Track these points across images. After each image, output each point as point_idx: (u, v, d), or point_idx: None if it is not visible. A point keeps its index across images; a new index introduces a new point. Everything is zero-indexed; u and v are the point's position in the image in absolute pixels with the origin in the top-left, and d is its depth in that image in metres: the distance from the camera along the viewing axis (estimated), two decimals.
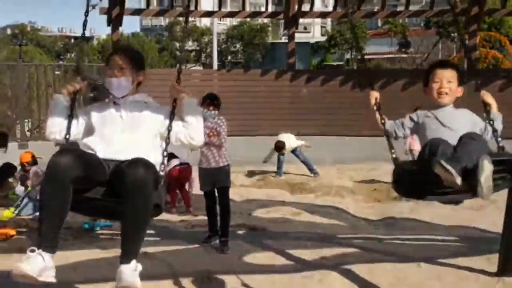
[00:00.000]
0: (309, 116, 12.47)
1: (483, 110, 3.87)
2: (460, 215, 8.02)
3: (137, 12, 13.38)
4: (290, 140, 11.14)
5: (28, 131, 12.15)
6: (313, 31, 61.96)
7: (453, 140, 3.32)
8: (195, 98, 3.68)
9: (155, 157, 3.37)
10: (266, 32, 48.16)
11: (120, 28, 12.51)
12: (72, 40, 58.56)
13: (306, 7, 14.12)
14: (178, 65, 3.87)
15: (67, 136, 3.48)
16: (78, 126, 3.54)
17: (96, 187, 3.25)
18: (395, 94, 12.38)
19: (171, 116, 3.51)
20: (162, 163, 3.39)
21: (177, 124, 3.51)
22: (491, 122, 3.80)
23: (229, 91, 11.91)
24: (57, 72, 13.78)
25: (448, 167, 3.06)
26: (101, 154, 3.34)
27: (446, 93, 3.74)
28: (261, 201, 8.85)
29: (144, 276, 4.81)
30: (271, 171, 11.57)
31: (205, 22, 47.90)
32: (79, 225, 6.90)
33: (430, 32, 37.22)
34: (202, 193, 6.31)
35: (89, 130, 3.53)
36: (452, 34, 34.60)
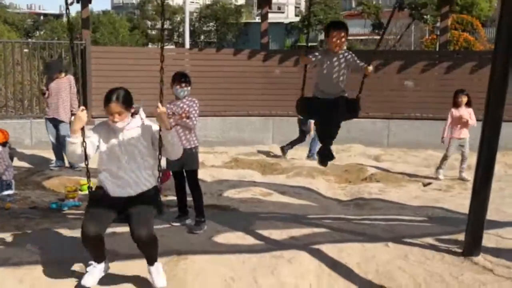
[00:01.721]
0: (281, 96, 12.44)
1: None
2: (427, 196, 8.16)
3: None
4: None
5: None
6: (287, 12, 61.78)
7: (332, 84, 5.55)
8: (173, 129, 4.54)
9: (152, 180, 4.56)
10: (240, 13, 47.77)
11: (90, 6, 12.26)
12: (41, 17, 57.36)
13: None
14: (160, 90, 4.45)
15: (87, 163, 4.48)
16: (93, 151, 4.50)
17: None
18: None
19: (160, 139, 4.43)
20: (159, 176, 4.61)
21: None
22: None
23: (201, 71, 11.83)
24: (25, 50, 13.47)
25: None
26: (111, 192, 4.49)
27: (340, 45, 5.50)
28: (232, 182, 8.84)
29: (113, 256, 4.81)
30: (243, 152, 11.56)
31: (177, 1, 47.36)
32: (46, 204, 6.81)
33: (403, 14, 37.34)
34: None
35: (101, 165, 4.54)
36: (425, 16, 34.80)
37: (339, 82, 5.59)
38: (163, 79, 4.41)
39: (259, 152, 11.55)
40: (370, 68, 5.47)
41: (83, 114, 4.31)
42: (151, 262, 4.46)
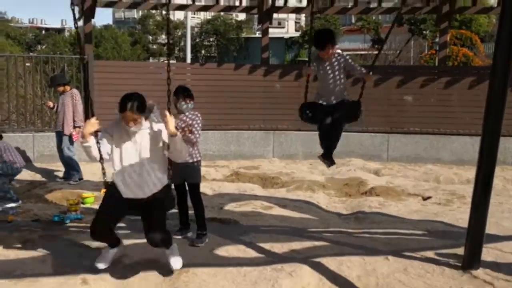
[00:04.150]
0: (282, 111, 12.51)
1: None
2: (427, 209, 8.18)
3: (110, 4, 13.22)
4: None
5: None
6: (287, 27, 62.09)
7: (332, 86, 5.83)
8: (178, 135, 4.71)
9: (163, 179, 4.82)
10: (241, 28, 48.03)
11: (93, 20, 12.38)
12: (43, 32, 57.69)
13: (280, 2, 14.12)
14: (168, 98, 4.87)
15: (102, 161, 4.79)
16: (107, 154, 4.77)
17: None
18: (367, 90, 12.48)
19: (166, 145, 4.71)
20: (168, 173, 4.83)
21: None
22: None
23: (202, 85, 11.90)
24: (27, 64, 13.56)
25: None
26: (124, 194, 4.74)
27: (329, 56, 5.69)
28: (233, 195, 8.87)
29: (113, 269, 4.85)
30: (244, 166, 11.60)
31: (178, 16, 47.62)
32: (49, 217, 6.84)
33: (402, 29, 37.54)
34: None
35: (115, 164, 4.79)
36: (424, 32, 35.01)
37: (336, 87, 5.76)
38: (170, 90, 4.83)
39: (259, 166, 11.55)
40: (371, 74, 5.82)
41: (94, 121, 4.64)
42: (167, 247, 4.90)
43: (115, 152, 4.74)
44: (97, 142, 4.68)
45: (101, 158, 4.72)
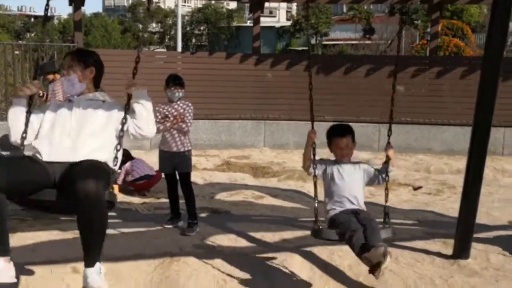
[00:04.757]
0: (273, 100, 12.50)
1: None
2: (417, 199, 8.23)
3: None
4: None
5: None
6: (279, 16, 62.00)
7: (349, 190, 4.47)
8: (145, 89, 3.82)
9: (106, 154, 3.58)
10: (232, 17, 47.90)
11: (82, 8, 12.27)
12: (32, 19, 57.21)
13: None
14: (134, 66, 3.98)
15: (24, 137, 3.64)
16: (34, 129, 3.70)
17: (43, 189, 3.41)
18: (358, 80, 12.52)
19: (125, 110, 3.71)
20: (116, 157, 3.62)
21: (128, 118, 3.71)
22: (387, 175, 4.58)
23: (193, 74, 11.82)
24: (16, 52, 13.44)
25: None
26: (46, 157, 3.51)
27: (347, 154, 4.59)
28: (224, 185, 8.87)
29: (105, 258, 4.82)
30: (235, 155, 11.59)
31: (169, 4, 47.40)
32: None
33: (394, 19, 37.56)
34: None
35: (42, 131, 3.68)
36: (415, 22, 35.09)
37: (355, 193, 4.57)
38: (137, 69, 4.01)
39: (249, 156, 11.55)
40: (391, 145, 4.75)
41: (36, 83, 3.79)
42: (91, 258, 3.44)
43: (46, 121, 3.68)
44: (28, 112, 3.64)
45: (25, 132, 3.61)
